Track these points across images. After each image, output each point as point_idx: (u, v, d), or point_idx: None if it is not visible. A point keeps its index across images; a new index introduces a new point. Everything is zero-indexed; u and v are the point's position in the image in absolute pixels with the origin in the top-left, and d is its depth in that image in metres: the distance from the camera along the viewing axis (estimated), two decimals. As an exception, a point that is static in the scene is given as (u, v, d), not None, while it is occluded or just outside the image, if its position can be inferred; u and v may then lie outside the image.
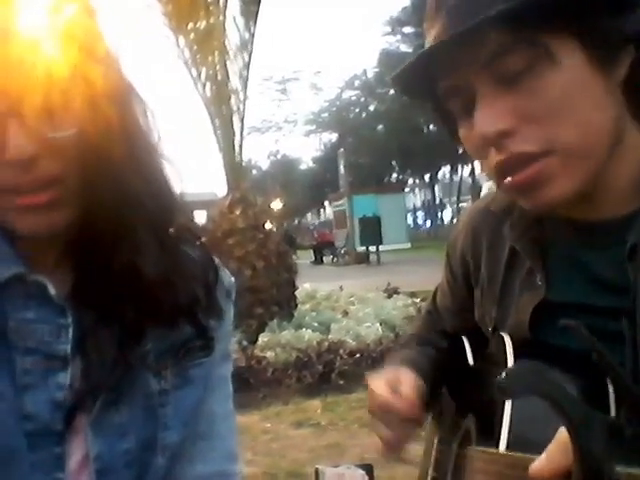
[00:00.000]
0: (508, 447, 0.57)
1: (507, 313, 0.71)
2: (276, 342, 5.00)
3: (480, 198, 0.85)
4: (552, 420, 0.53)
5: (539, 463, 0.45)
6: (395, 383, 0.77)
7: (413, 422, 0.76)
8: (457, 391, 0.83)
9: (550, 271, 0.67)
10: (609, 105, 0.58)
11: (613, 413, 0.55)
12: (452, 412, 0.82)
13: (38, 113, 0.53)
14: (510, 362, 0.63)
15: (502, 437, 0.58)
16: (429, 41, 0.60)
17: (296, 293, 5.93)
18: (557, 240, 0.67)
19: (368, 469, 1.69)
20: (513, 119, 0.57)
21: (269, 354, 4.76)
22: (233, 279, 0.75)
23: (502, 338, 0.67)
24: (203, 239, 0.72)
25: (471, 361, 0.80)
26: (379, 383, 0.77)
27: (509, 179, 0.59)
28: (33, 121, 0.53)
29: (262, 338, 5.13)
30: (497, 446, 0.58)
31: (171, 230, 0.66)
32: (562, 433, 0.44)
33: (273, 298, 5.55)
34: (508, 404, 0.59)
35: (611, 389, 0.57)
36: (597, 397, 0.56)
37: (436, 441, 0.84)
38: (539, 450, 0.49)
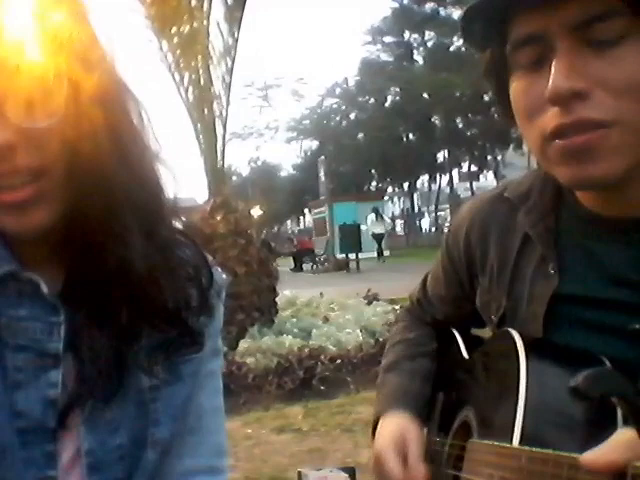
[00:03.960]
0: (521, 441, 0.57)
1: (518, 303, 0.71)
2: (257, 348, 4.98)
3: (486, 191, 0.85)
4: (568, 416, 0.53)
5: (594, 454, 0.44)
6: (404, 450, 0.79)
7: None
8: (448, 383, 0.83)
9: (563, 262, 0.66)
10: None
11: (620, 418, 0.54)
12: (442, 404, 0.83)
13: (16, 103, 0.53)
14: (522, 359, 0.62)
15: (515, 432, 0.57)
16: None
17: (277, 299, 5.92)
18: (573, 231, 0.66)
19: (351, 472, 1.70)
20: (590, 82, 0.56)
21: (250, 360, 4.74)
22: (224, 276, 0.75)
23: (509, 333, 0.66)
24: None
25: (466, 355, 0.80)
26: (390, 457, 0.78)
27: (564, 141, 0.57)
28: (10, 111, 0.53)
29: (242, 344, 5.11)
30: (509, 440, 0.57)
31: (163, 230, 0.66)
32: (624, 432, 0.43)
33: (254, 304, 5.53)
34: (522, 397, 0.58)
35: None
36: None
37: (425, 433, 0.84)
38: (554, 446, 0.49)
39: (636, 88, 0.55)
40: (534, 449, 0.53)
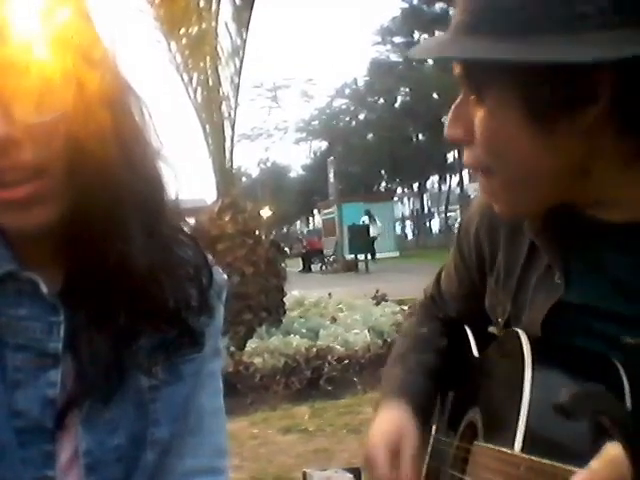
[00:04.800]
0: (523, 447, 0.56)
1: (522, 309, 0.70)
2: (264, 348, 4.99)
3: None
4: (571, 422, 0.53)
5: (583, 476, 0.44)
6: (396, 450, 0.77)
7: None
8: (458, 382, 0.82)
9: (569, 270, 0.65)
10: (553, 152, 0.58)
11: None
12: (451, 402, 0.82)
13: (20, 99, 0.53)
14: (528, 360, 0.61)
15: (518, 437, 0.57)
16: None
17: (285, 300, 5.92)
18: (579, 239, 0.65)
19: (356, 473, 1.70)
20: (467, 133, 0.61)
21: (257, 360, 4.75)
22: (225, 276, 0.75)
23: (517, 333, 0.65)
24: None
25: (476, 353, 0.79)
26: (381, 456, 0.77)
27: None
28: (14, 107, 0.53)
29: (250, 344, 5.12)
30: (511, 444, 0.57)
31: (164, 229, 0.66)
32: (611, 450, 0.44)
33: (262, 304, 5.54)
34: (525, 402, 0.58)
35: (627, 390, 0.56)
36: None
37: (433, 430, 0.84)
38: (556, 452, 0.49)
39: (488, 148, 0.60)
40: (533, 458, 0.53)
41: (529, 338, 0.64)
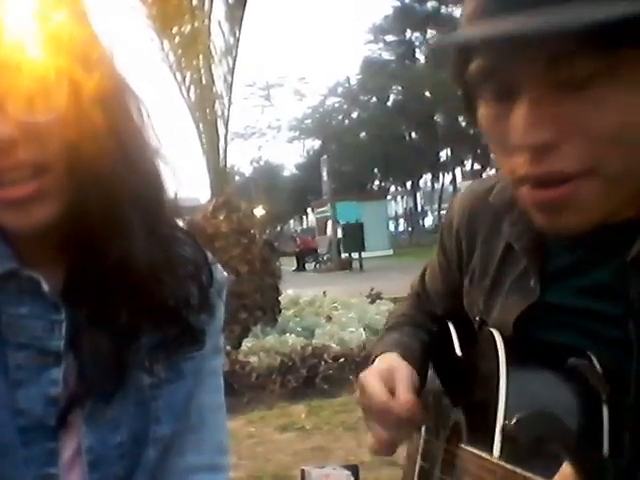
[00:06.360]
0: (502, 450, 0.56)
1: (493, 308, 0.70)
2: (260, 347, 5.00)
3: (480, 180, 0.81)
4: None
5: None
6: (391, 381, 0.74)
7: (410, 423, 0.74)
8: (445, 379, 0.82)
9: (547, 273, 0.65)
10: None
11: (606, 414, 0.54)
12: (439, 400, 0.82)
13: (16, 99, 0.53)
14: (502, 360, 0.61)
15: (496, 442, 0.57)
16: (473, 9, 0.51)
17: (280, 299, 5.93)
18: (556, 241, 0.64)
19: (354, 470, 1.69)
20: (560, 129, 0.50)
21: (253, 359, 4.76)
22: (225, 274, 0.75)
23: (491, 333, 0.66)
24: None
25: (459, 351, 0.79)
26: (375, 382, 0.74)
27: (534, 192, 0.53)
28: (11, 106, 0.53)
29: (246, 343, 5.13)
30: (490, 447, 0.57)
31: (163, 227, 0.66)
32: (564, 471, 0.44)
33: (257, 303, 5.55)
34: (502, 402, 0.58)
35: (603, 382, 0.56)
36: (590, 398, 0.55)
37: (423, 431, 0.84)
38: (534, 456, 0.49)
39: (613, 132, 0.50)
40: (508, 467, 0.53)
41: (503, 337, 0.64)
